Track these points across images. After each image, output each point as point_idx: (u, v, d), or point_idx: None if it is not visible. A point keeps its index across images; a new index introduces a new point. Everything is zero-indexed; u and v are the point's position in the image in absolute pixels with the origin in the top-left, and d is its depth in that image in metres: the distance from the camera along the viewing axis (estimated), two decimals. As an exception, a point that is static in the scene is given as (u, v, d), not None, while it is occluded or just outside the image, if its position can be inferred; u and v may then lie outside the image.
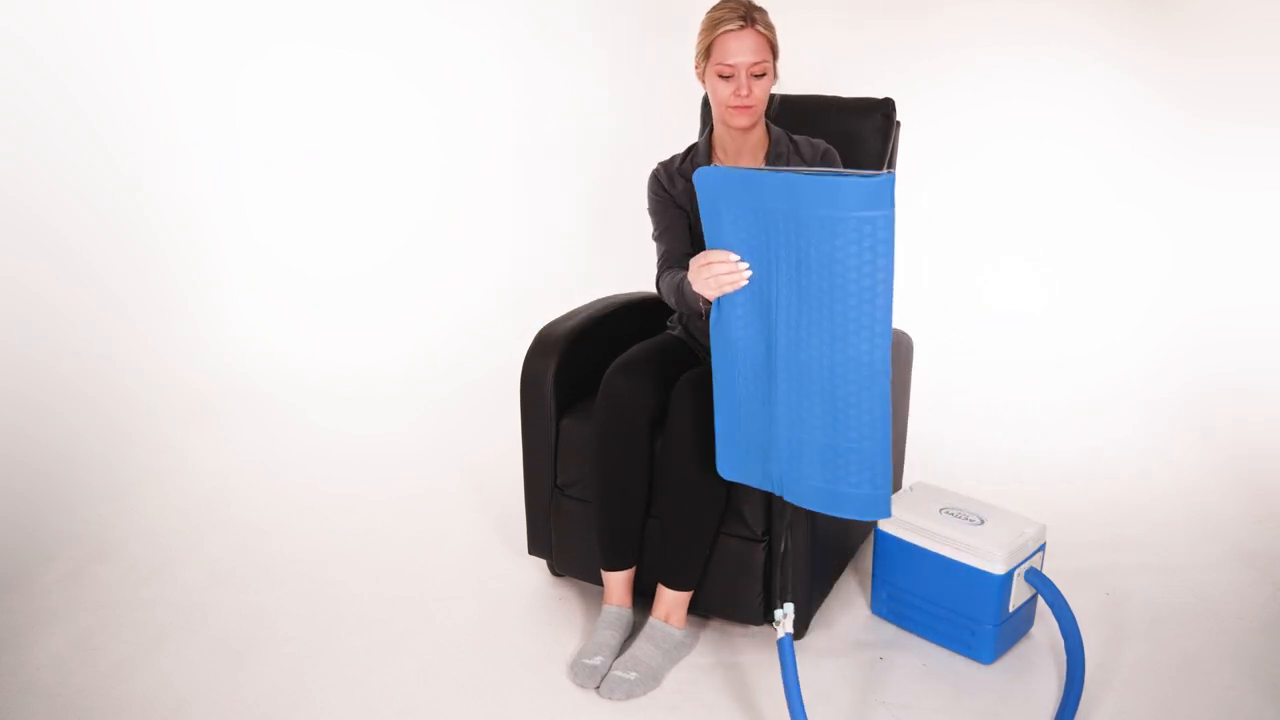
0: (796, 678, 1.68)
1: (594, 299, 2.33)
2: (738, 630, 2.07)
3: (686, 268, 1.94)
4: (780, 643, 1.71)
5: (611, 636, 1.96)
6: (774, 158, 2.02)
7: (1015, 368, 3.29)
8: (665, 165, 2.11)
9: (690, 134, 2.10)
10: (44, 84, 3.02)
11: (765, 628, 2.05)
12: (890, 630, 2.07)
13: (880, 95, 2.30)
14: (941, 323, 3.31)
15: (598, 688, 1.88)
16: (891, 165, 2.33)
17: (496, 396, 3.00)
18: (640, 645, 1.94)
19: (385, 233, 3.65)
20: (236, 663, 1.98)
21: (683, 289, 1.87)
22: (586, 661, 1.90)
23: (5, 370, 2.81)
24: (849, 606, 2.16)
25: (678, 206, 2.07)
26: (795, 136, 2.05)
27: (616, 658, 1.94)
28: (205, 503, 2.64)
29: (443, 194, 3.65)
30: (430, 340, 3.53)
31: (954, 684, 1.90)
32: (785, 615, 1.72)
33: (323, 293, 3.61)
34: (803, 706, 1.67)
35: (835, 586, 2.22)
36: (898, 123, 2.31)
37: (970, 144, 3.37)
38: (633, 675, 1.87)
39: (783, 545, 1.80)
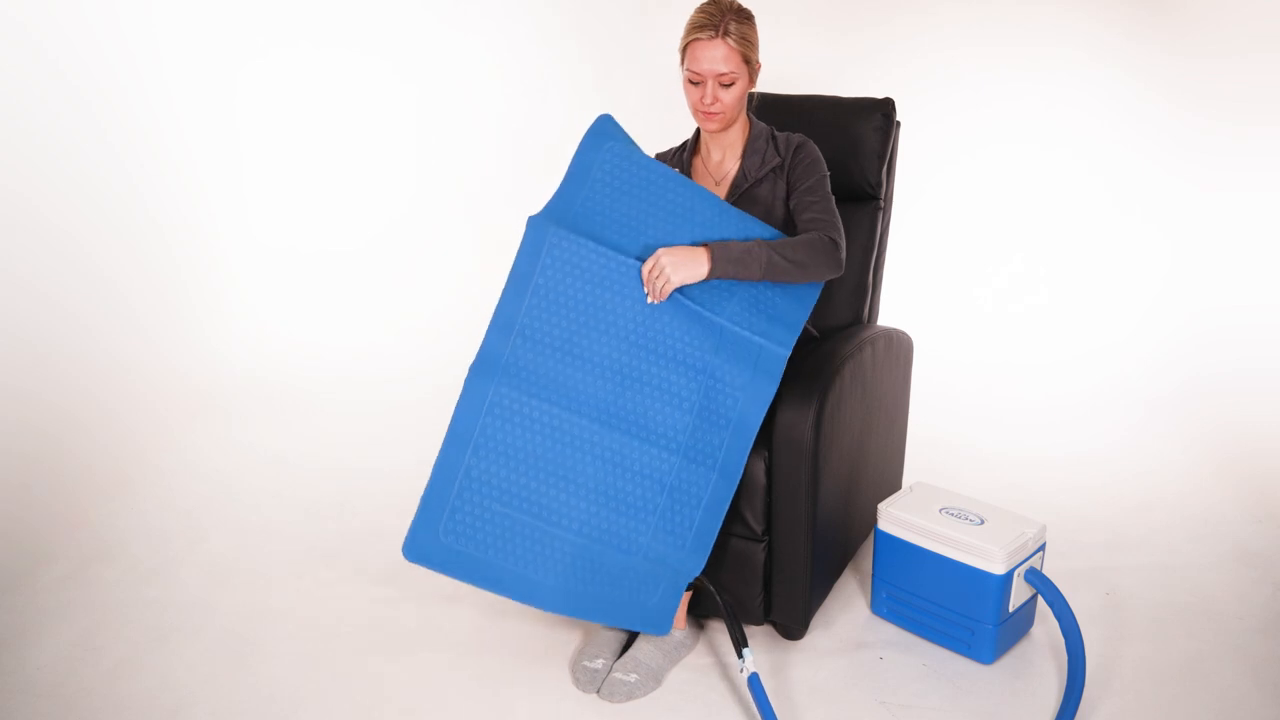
0: (772, 711, 1.73)
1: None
2: (738, 630, 2.07)
3: None
4: (750, 680, 1.77)
5: (612, 637, 1.96)
6: (750, 154, 2.02)
7: (1015, 368, 3.29)
8: (660, 157, 2.12)
9: (691, 134, 2.12)
10: (47, 83, 3.02)
11: (765, 628, 2.05)
12: (890, 630, 2.07)
13: (880, 95, 2.30)
14: (941, 323, 3.31)
15: (598, 690, 1.88)
16: (891, 165, 2.34)
17: (497, 396, 2.99)
18: (641, 646, 1.94)
19: (386, 232, 3.65)
20: (238, 663, 1.98)
21: None
22: (588, 664, 1.90)
23: (8, 367, 2.82)
24: (849, 606, 2.16)
25: None
26: (776, 133, 2.05)
27: (617, 659, 1.94)
28: (207, 501, 2.64)
29: (443, 193, 3.64)
30: (434, 340, 3.53)
31: (954, 684, 1.90)
32: (747, 659, 1.79)
33: (326, 292, 3.61)
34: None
35: (835, 586, 2.22)
36: (898, 123, 2.31)
37: (970, 144, 3.37)
38: (633, 677, 1.87)
39: (720, 598, 1.85)
